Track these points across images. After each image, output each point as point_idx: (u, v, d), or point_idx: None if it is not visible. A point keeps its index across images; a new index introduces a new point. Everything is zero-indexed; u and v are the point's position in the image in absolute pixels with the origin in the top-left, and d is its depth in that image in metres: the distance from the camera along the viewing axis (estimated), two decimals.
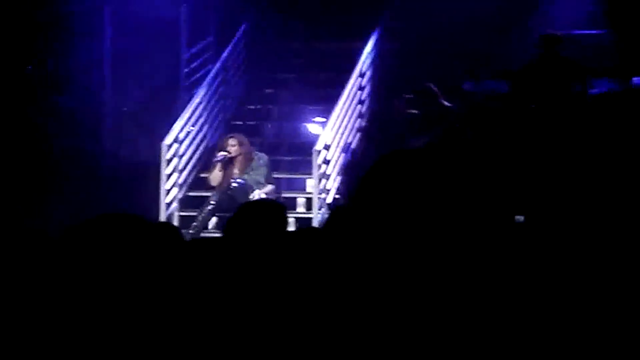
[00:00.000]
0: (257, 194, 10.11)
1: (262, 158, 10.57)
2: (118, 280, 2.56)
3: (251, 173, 10.41)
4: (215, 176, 10.46)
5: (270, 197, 10.03)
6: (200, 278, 3.57)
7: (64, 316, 2.50)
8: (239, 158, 10.44)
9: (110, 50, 12.22)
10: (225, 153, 10.40)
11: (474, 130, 10.33)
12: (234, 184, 10.24)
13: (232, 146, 10.46)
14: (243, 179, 10.29)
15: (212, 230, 10.38)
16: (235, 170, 10.39)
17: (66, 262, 2.53)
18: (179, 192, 10.93)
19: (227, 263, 4.01)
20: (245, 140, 10.58)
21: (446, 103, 10.55)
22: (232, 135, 10.69)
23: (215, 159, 10.48)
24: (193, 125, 11.38)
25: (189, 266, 3.55)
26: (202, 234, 10.12)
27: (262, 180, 10.41)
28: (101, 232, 2.53)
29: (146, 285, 2.68)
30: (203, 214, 10.19)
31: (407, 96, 10.84)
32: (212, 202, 10.22)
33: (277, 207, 5.11)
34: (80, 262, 2.50)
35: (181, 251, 3.99)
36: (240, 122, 12.27)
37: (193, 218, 10.37)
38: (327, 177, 10.60)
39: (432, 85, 10.66)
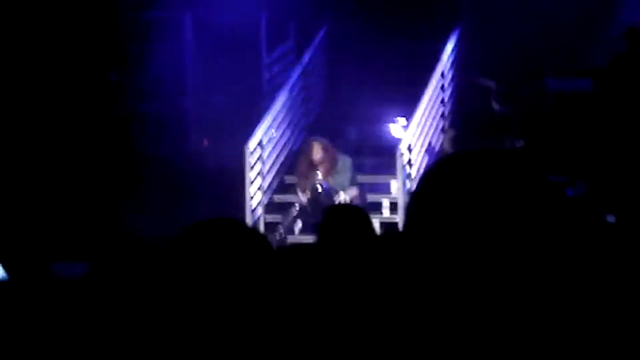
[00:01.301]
0: (343, 197, 10.06)
1: (346, 161, 10.53)
2: (227, 287, 2.57)
3: (336, 176, 10.37)
4: (302, 183, 10.47)
5: (355, 200, 10.01)
6: (292, 285, 3.56)
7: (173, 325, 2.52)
8: (324, 163, 10.39)
9: (192, 57, 12.34)
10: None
11: (527, 138, 10.06)
12: (319, 189, 10.23)
13: (317, 151, 10.43)
14: (327, 183, 10.27)
15: (297, 235, 10.39)
16: (319, 175, 10.37)
17: (177, 267, 2.55)
18: (263, 196, 10.97)
19: (320, 270, 4.00)
20: (328, 144, 10.54)
21: (496, 106, 10.24)
22: (315, 138, 10.65)
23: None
24: (276, 130, 11.42)
25: (282, 274, 3.54)
26: (288, 238, 10.14)
27: (347, 183, 10.37)
28: (214, 237, 2.54)
29: (247, 293, 2.69)
30: (288, 219, 10.21)
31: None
32: (296, 207, 10.24)
33: (362, 212, 5.09)
34: (193, 267, 2.51)
35: (271, 258, 3.98)
36: (323, 125, 12.28)
37: (278, 223, 10.39)
38: (412, 179, 10.54)
39: (489, 83, 10.33)
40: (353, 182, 10.45)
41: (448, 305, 1.79)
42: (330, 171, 10.38)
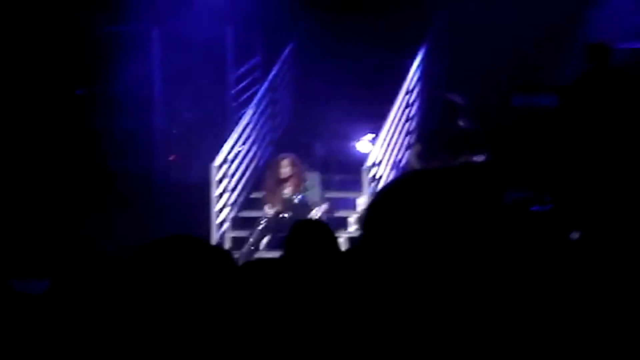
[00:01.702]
0: (317, 212, 10.11)
1: (314, 177, 10.55)
2: (183, 303, 2.55)
3: (306, 193, 10.38)
4: (270, 197, 10.43)
5: (325, 215, 10.05)
6: (254, 300, 3.56)
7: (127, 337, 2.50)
8: (292, 179, 10.37)
9: (160, 72, 12.31)
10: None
11: (492, 153, 10.10)
12: (296, 200, 10.24)
13: (285, 167, 10.40)
14: (303, 196, 10.30)
15: (263, 250, 10.38)
16: (287, 191, 10.35)
17: (133, 283, 2.53)
18: (230, 212, 10.95)
19: (285, 284, 3.99)
20: (297, 160, 10.54)
21: (462, 122, 10.24)
22: (284, 155, 10.60)
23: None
24: (242, 145, 11.41)
25: (245, 289, 3.54)
26: (255, 254, 10.12)
27: (317, 198, 10.40)
28: (169, 254, 2.53)
29: (207, 309, 2.68)
30: (255, 234, 10.19)
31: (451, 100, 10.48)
32: (263, 222, 10.23)
33: (326, 228, 5.11)
34: (148, 283, 2.50)
35: (232, 274, 3.97)
36: (290, 141, 12.28)
37: (245, 239, 10.37)
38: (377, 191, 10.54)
39: (456, 99, 10.33)
40: (322, 198, 10.46)
41: (401, 318, 1.80)
42: (298, 187, 10.38)
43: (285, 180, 10.38)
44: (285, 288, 3.81)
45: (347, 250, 6.91)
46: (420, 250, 1.81)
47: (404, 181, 1.92)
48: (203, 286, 2.61)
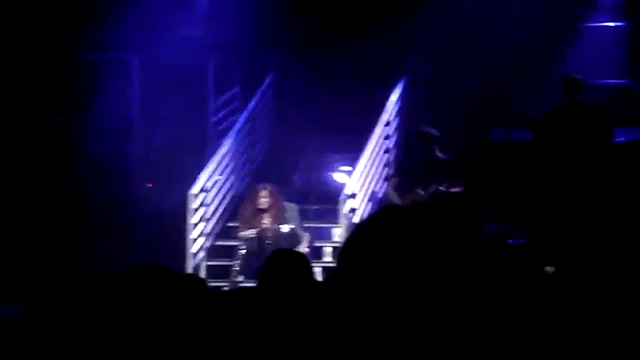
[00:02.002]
0: (303, 245, 10.15)
1: (293, 208, 10.56)
2: (147, 334, 2.56)
3: (285, 225, 10.33)
4: (246, 228, 10.39)
5: (306, 246, 10.11)
6: (231, 330, 3.56)
7: None
8: (271, 209, 10.33)
9: (139, 99, 12.33)
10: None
11: (468, 185, 10.16)
12: (283, 229, 10.23)
13: (264, 198, 10.36)
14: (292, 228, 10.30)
15: (239, 280, 10.35)
16: (266, 222, 10.28)
17: (97, 313, 2.54)
18: (205, 241, 10.94)
19: (259, 314, 4.00)
20: (276, 190, 10.51)
21: (439, 154, 10.28)
22: (263, 186, 10.54)
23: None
24: (220, 174, 11.41)
25: (218, 319, 3.54)
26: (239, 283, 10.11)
27: (298, 230, 10.39)
28: (133, 285, 2.53)
29: (174, 339, 2.68)
30: (239, 263, 10.14)
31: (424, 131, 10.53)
32: (243, 248, 10.20)
33: (303, 258, 5.14)
34: (111, 314, 2.50)
35: (208, 304, 3.98)
36: (267, 171, 12.30)
37: (220, 267, 10.36)
38: (354, 225, 10.57)
39: (432, 131, 10.38)
40: (302, 229, 10.47)
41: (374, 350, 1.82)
42: (277, 218, 10.35)
43: (264, 210, 10.34)
44: (259, 317, 3.81)
45: (323, 281, 6.94)
46: (395, 284, 1.83)
47: (381, 217, 1.95)
48: (174, 315, 2.62)
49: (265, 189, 10.46)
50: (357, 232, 1.93)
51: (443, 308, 1.88)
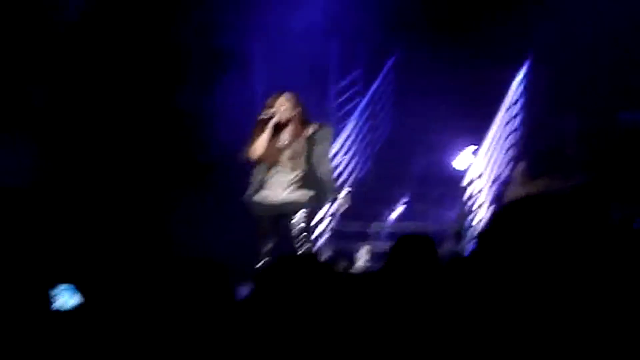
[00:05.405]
0: (343, 202, 8.02)
1: (328, 130, 7.88)
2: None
3: (314, 148, 7.63)
4: (260, 145, 7.63)
5: (345, 203, 8.10)
6: (356, 314, 3.56)
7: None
8: (291, 123, 7.66)
9: (261, 85, 12.42)
10: (271, 111, 7.58)
11: (597, 172, 9.94)
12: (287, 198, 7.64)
13: (282, 105, 7.68)
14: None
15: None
16: (286, 138, 7.67)
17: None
18: (328, 224, 10.97)
19: (385, 297, 4.00)
20: (299, 101, 7.77)
21: (570, 146, 10.11)
22: (282, 91, 7.80)
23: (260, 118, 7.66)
24: (343, 157, 11.43)
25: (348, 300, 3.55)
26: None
27: (324, 156, 7.71)
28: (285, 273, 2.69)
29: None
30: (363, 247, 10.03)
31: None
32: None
33: (430, 242, 5.09)
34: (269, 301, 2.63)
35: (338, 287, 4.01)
36: (388, 155, 12.28)
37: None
38: (477, 209, 10.43)
39: (565, 124, 10.21)
40: (329, 158, 7.84)
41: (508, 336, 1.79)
42: (299, 135, 7.63)
43: (284, 124, 7.70)
44: (386, 300, 3.81)
45: (449, 263, 6.86)
46: (533, 267, 1.83)
47: (519, 205, 1.97)
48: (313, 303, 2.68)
49: (283, 94, 7.75)
50: (498, 216, 1.93)
51: (579, 295, 1.84)
